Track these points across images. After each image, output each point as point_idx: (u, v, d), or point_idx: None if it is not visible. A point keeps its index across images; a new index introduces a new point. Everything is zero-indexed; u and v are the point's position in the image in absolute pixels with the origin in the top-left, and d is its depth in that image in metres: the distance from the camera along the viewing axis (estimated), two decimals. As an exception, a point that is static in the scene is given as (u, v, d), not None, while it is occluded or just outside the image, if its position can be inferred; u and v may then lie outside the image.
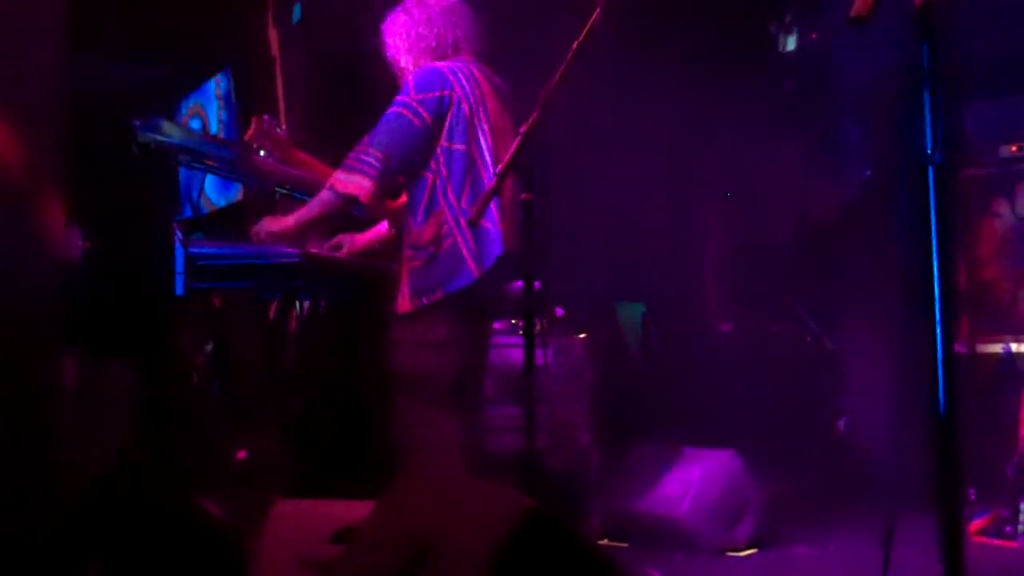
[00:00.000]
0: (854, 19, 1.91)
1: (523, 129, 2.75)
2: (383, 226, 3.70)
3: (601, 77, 4.09)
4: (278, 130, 3.75)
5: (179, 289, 3.63)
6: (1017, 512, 4.09)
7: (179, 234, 3.71)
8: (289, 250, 3.46)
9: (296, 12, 4.57)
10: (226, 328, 3.97)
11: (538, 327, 2.83)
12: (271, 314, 3.87)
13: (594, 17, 2.75)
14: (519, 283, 2.92)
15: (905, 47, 1.96)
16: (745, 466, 4.37)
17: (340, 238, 3.74)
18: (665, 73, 5.36)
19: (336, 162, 3.40)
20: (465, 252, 3.26)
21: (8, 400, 3.44)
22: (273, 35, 4.39)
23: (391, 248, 3.58)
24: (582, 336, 4.52)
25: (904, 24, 1.95)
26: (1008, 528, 4.21)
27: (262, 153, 3.65)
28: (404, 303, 3.32)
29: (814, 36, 5.24)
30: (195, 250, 3.46)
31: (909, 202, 1.96)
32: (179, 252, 3.58)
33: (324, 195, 3.36)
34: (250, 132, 3.64)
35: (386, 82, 3.49)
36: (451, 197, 3.29)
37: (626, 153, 5.41)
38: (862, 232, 5.54)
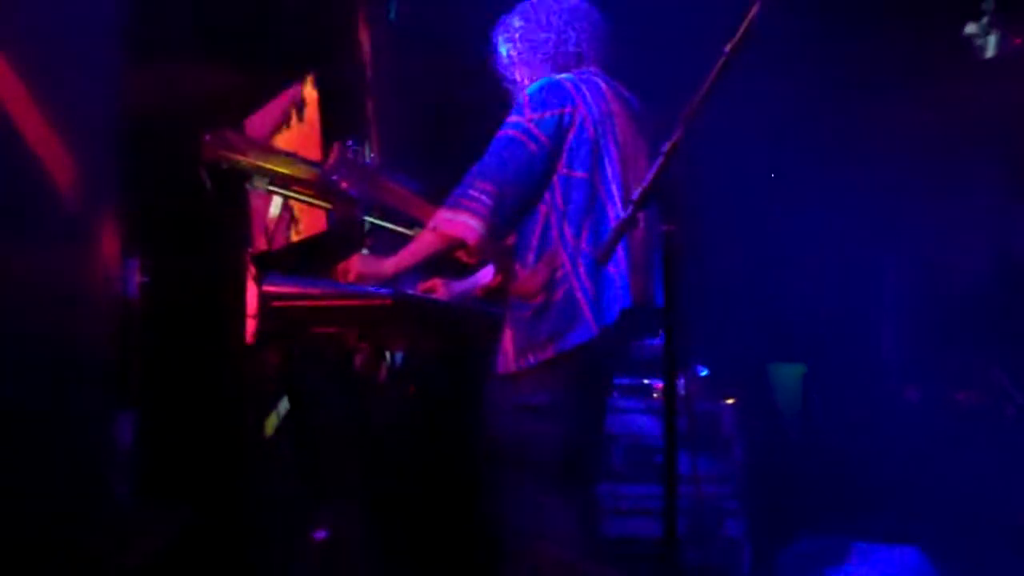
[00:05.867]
0: None
1: (665, 149, 2.54)
2: (487, 273, 3.57)
3: (756, 93, 4.09)
4: (366, 158, 3.66)
5: (250, 335, 3.62)
6: None
7: (252, 270, 3.67)
8: (380, 290, 3.33)
9: (392, 9, 4.52)
10: (303, 382, 3.89)
11: (682, 389, 2.65)
12: (356, 367, 3.75)
13: (752, 14, 2.54)
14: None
15: None
16: (933, 568, 4.14)
17: (434, 282, 3.63)
18: (829, 86, 5.37)
19: (434, 194, 3.31)
20: (583, 302, 3.10)
21: (58, 463, 3.30)
22: (365, 36, 4.31)
23: (494, 298, 3.46)
24: (730, 402, 4.45)
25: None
26: None
27: (344, 186, 3.54)
28: (507, 363, 3.19)
29: (1018, 41, 4.95)
30: (270, 288, 3.34)
31: None
32: (251, 291, 3.54)
33: (426, 237, 3.26)
34: (330, 160, 3.53)
35: (495, 98, 3.41)
36: (568, 234, 3.12)
37: (784, 183, 5.48)
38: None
